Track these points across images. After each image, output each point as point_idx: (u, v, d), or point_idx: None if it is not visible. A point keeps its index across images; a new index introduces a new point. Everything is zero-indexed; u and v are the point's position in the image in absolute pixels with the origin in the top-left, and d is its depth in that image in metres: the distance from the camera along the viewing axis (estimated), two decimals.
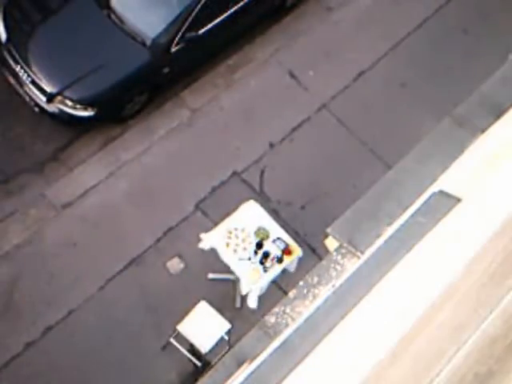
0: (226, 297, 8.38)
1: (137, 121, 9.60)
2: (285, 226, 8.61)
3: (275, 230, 8.28)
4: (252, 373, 3.30)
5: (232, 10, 9.56)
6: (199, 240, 8.02)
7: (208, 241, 8.03)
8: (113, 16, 9.20)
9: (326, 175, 9.36)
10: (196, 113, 9.74)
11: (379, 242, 3.78)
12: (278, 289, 8.41)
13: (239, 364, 3.93)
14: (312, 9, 10.84)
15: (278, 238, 8.19)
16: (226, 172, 9.29)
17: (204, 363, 7.93)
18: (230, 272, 8.20)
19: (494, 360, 3.00)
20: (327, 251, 4.25)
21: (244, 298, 8.26)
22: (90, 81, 8.85)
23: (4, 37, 9.06)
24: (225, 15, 9.52)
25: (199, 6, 9.10)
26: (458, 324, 3.05)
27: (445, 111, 4.78)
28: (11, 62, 9.01)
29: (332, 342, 3.12)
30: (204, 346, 7.65)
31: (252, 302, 8.07)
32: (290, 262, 8.18)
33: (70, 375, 7.87)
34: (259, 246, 8.04)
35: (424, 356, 2.97)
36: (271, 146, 9.54)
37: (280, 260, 8.07)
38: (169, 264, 7.71)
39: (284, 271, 8.23)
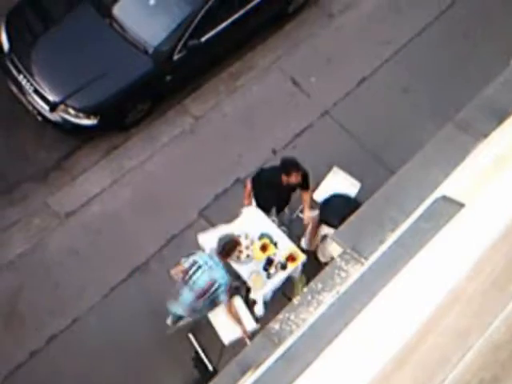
0: None
1: (140, 129, 9.62)
2: (288, 232, 8.60)
3: (279, 236, 8.28)
4: (256, 380, 3.29)
5: (234, 18, 9.58)
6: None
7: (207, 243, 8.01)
8: (115, 25, 9.22)
9: None
10: (199, 120, 9.75)
11: (383, 248, 3.77)
12: (283, 295, 8.40)
13: (243, 371, 3.93)
14: (313, 16, 10.86)
15: (282, 245, 8.18)
16: (229, 179, 9.28)
17: (210, 372, 7.91)
18: (234, 279, 8.18)
19: (499, 366, 2.99)
20: (331, 257, 4.25)
21: (248, 306, 8.24)
22: (93, 89, 8.87)
23: (7, 46, 9.10)
24: (227, 22, 9.53)
25: (201, 13, 9.13)
26: (462, 330, 3.04)
27: (447, 116, 4.77)
28: (14, 72, 9.04)
29: (336, 348, 3.12)
30: (227, 338, 7.59)
31: (258, 310, 8.04)
32: (294, 268, 8.16)
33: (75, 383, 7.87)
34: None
35: (428, 362, 2.97)
36: (274, 152, 9.54)
37: (284, 266, 8.06)
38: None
39: (288, 278, 8.21)
